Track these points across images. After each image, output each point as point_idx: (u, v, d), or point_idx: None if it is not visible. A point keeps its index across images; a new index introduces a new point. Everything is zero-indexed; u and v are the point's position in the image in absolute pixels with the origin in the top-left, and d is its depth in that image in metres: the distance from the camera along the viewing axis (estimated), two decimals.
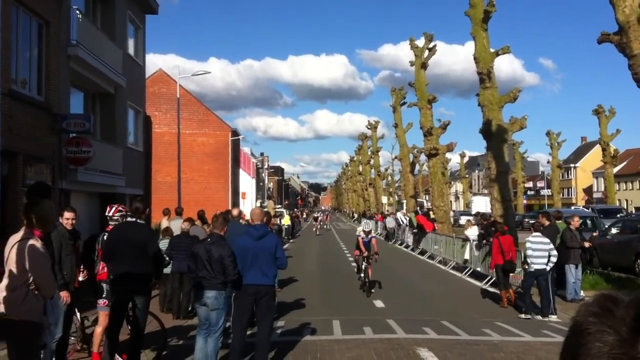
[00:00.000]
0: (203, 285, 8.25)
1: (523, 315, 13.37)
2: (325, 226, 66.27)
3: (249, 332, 9.26)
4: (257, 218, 9.09)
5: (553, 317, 13.29)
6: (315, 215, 66.47)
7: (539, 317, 13.35)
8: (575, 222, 15.82)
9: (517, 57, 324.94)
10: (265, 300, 8.58)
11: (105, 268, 8.64)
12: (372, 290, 16.79)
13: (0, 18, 13.43)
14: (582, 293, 15.32)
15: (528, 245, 13.71)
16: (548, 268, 13.44)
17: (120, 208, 9.24)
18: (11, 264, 5.28)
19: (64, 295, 8.03)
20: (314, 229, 56.39)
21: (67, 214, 8.53)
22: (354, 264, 22.06)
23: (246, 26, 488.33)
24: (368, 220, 21.64)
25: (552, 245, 13.62)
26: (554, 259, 13.46)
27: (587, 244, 16.21)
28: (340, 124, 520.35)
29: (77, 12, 18.08)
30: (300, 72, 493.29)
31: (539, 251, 13.49)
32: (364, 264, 16.87)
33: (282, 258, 8.84)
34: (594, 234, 21.67)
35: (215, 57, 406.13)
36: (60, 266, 7.95)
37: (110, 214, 9.09)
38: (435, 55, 36.41)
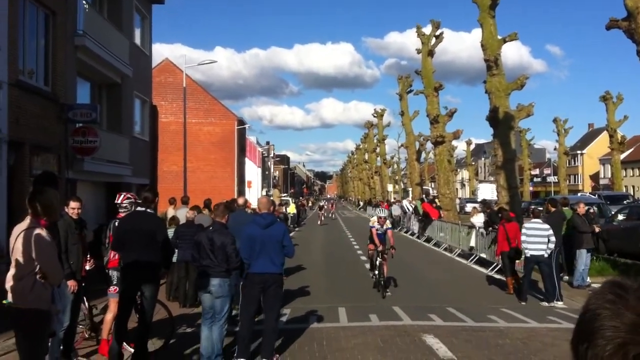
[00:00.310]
0: (207, 273, 8.32)
1: (523, 303, 13.46)
2: (331, 215, 59.92)
3: (255, 319, 9.32)
4: (265, 207, 9.13)
5: (559, 303, 13.31)
6: (321, 204, 63.35)
7: (545, 304, 13.40)
8: (581, 208, 15.80)
9: (524, 44, 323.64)
10: (273, 289, 8.63)
11: (117, 255, 8.72)
12: (388, 292, 14.48)
13: (7, 9, 13.48)
14: (588, 279, 15.36)
15: (523, 231, 13.85)
16: (546, 254, 13.45)
17: (129, 195, 9.35)
18: (17, 253, 5.30)
19: (71, 284, 8.11)
20: (318, 220, 51.10)
21: (73, 204, 8.60)
22: (363, 258, 21.05)
23: (252, 15, 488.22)
24: (381, 209, 18.37)
25: (551, 231, 13.57)
26: (551, 245, 13.47)
27: (597, 228, 16.25)
28: (346, 112, 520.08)
29: (84, 2, 18.12)
30: (306, 60, 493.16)
31: (535, 237, 13.52)
32: (379, 259, 14.77)
33: (289, 246, 8.89)
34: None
35: (221, 47, 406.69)
36: (67, 255, 8.03)
37: (119, 201, 9.20)
38: (442, 42, 36.34)
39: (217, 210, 9.07)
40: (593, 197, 35.78)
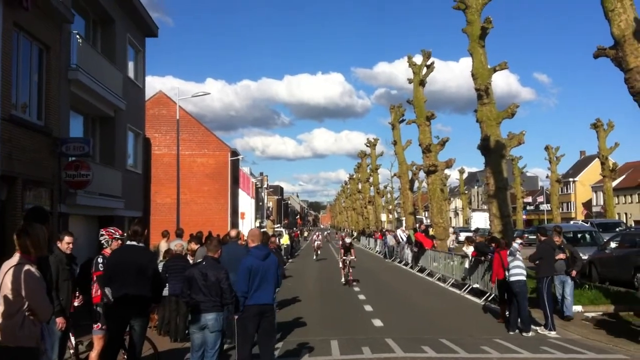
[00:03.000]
0: (201, 308, 8.31)
1: (512, 332, 13.54)
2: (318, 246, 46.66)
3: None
4: (257, 239, 9.18)
5: (552, 333, 13.32)
6: (314, 235, 55.61)
7: (542, 331, 13.46)
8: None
9: (512, 72, 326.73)
10: (268, 320, 8.73)
11: (99, 291, 8.70)
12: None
13: (1, 44, 13.59)
14: (574, 308, 15.35)
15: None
16: (520, 278, 13.81)
17: (102, 232, 9.40)
18: (6, 290, 5.25)
19: (60, 321, 8.10)
20: (313, 253, 45.56)
21: (67, 238, 8.64)
22: (356, 289, 23.11)
23: (241, 47, 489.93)
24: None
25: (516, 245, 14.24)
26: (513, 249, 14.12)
27: (562, 256, 15.04)
28: (338, 142, 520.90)
29: (77, 36, 18.26)
30: (297, 91, 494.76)
31: (510, 263, 13.98)
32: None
33: (279, 277, 9.07)
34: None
35: (212, 78, 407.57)
36: (57, 292, 8.02)
37: (101, 238, 9.28)
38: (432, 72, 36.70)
39: (210, 245, 9.11)
40: (585, 224, 35.92)
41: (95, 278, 8.80)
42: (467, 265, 21.41)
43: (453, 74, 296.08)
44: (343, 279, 24.86)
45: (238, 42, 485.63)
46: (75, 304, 8.91)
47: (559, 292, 15.19)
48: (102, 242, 9.18)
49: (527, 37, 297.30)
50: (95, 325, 8.76)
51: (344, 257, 24.92)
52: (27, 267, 5.32)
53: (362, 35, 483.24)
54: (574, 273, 15.11)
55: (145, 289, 8.21)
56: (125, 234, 9.54)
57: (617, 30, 13.25)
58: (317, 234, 55.43)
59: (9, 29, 14.17)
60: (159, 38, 25.83)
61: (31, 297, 5.30)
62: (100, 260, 8.84)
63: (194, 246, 14.06)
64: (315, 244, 46.81)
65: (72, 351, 9.30)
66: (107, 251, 9.04)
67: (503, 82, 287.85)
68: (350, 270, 24.82)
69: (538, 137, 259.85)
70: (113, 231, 9.34)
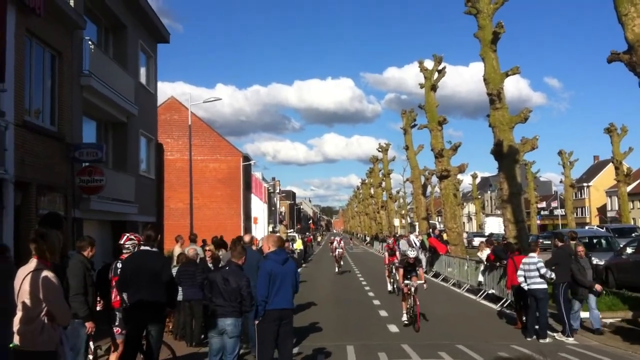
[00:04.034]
0: (219, 313, 8.28)
1: (529, 338, 13.35)
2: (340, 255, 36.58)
3: None
4: (275, 244, 9.14)
5: (570, 339, 13.16)
6: (332, 239, 44.26)
7: (561, 337, 13.29)
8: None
9: (522, 77, 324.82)
10: (287, 324, 8.69)
11: (117, 296, 8.68)
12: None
13: (14, 51, 13.62)
14: (579, 322, 14.71)
15: (520, 266, 13.96)
16: (542, 287, 13.53)
17: (132, 237, 9.34)
18: (24, 296, 5.28)
19: (89, 325, 8.10)
20: (335, 265, 35.89)
21: (92, 248, 8.68)
22: (367, 288, 22.40)
23: (251, 52, 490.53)
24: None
25: (541, 264, 13.58)
26: (542, 271, 13.41)
27: (598, 287, 14.18)
28: (349, 147, 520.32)
29: (90, 42, 18.29)
30: (307, 96, 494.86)
31: (530, 272, 13.59)
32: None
33: (298, 282, 9.09)
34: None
35: (222, 84, 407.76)
36: (86, 297, 8.04)
37: (122, 242, 9.20)
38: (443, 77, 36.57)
39: (235, 251, 9.08)
40: (601, 230, 35.57)
41: (114, 283, 8.77)
42: (482, 270, 21.24)
43: (462, 79, 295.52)
44: (406, 320, 15.46)
45: (247, 48, 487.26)
46: (98, 308, 8.90)
47: (577, 307, 14.26)
48: (129, 246, 9.11)
49: (537, 42, 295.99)
50: (116, 330, 8.75)
51: (408, 283, 15.22)
52: (45, 272, 5.36)
53: (371, 41, 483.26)
54: (599, 287, 14.20)
55: (160, 293, 8.20)
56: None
57: (631, 34, 13.08)
58: (336, 239, 38.48)
59: (22, 35, 14.20)
60: (170, 44, 25.91)
61: (50, 301, 5.33)
62: (119, 265, 8.81)
63: (212, 250, 14.17)
64: (337, 252, 35.59)
65: (91, 356, 9.27)
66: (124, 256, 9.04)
67: (513, 87, 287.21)
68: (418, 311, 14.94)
69: (550, 142, 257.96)
70: (134, 237, 9.32)
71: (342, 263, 35.80)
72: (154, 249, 8.59)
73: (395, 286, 21.04)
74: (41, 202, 15.15)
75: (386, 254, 24.08)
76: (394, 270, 19.72)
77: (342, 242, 37.19)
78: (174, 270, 12.91)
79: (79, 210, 17.31)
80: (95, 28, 21.41)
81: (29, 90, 15.02)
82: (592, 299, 14.27)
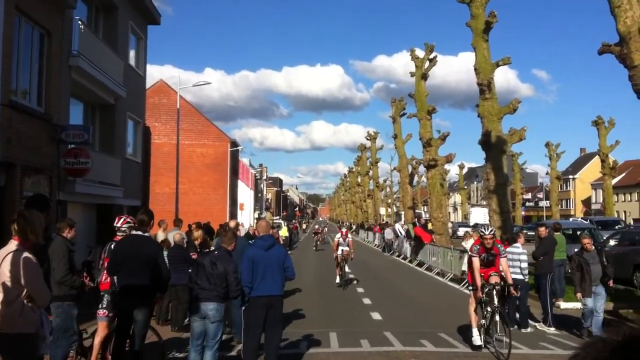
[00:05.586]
0: (203, 297, 8.26)
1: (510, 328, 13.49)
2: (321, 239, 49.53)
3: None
4: (264, 229, 9.17)
5: (551, 329, 13.28)
6: (316, 226, 58.00)
7: (541, 327, 13.41)
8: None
9: (511, 68, 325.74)
10: (275, 311, 8.65)
11: (108, 278, 8.67)
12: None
13: (3, 28, 13.46)
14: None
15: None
16: (525, 278, 13.66)
17: (128, 219, 9.30)
18: (4, 277, 5.21)
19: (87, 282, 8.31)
20: (313, 244, 47.50)
21: (73, 230, 8.70)
22: (352, 276, 22.48)
23: (241, 37, 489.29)
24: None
25: (524, 256, 13.68)
26: (524, 265, 13.56)
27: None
28: (336, 135, 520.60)
29: (79, 22, 18.12)
30: (296, 82, 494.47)
31: (512, 261, 13.40)
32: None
33: (290, 268, 8.95)
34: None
35: (211, 68, 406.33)
36: (72, 273, 8.10)
37: (119, 224, 9.16)
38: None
39: (225, 236, 9.08)
40: (585, 222, 35.87)
41: (106, 264, 8.74)
42: (466, 259, 21.33)
43: (451, 69, 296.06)
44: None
45: (237, 33, 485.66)
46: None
47: (589, 304, 12.41)
48: (125, 229, 9.07)
49: (526, 33, 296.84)
50: (102, 312, 8.72)
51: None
52: (25, 254, 5.28)
53: (361, 28, 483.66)
54: (611, 283, 12.94)
55: (150, 278, 8.18)
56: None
57: (622, 26, 13.13)
58: (341, 230, 24.25)
59: (11, 12, 14.03)
60: (159, 27, 25.64)
61: (30, 283, 5.27)
62: (113, 246, 8.78)
63: (198, 235, 14.11)
64: (340, 251, 22.99)
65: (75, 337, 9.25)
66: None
67: (502, 78, 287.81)
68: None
69: (537, 134, 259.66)
70: (130, 220, 9.29)
71: (346, 270, 23.69)
72: (146, 234, 8.55)
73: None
74: (26, 183, 15.04)
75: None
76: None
77: (348, 235, 24.29)
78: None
79: (63, 192, 17.19)
80: (85, 8, 21.23)
81: (16, 70, 14.86)
82: (600, 299, 12.61)
